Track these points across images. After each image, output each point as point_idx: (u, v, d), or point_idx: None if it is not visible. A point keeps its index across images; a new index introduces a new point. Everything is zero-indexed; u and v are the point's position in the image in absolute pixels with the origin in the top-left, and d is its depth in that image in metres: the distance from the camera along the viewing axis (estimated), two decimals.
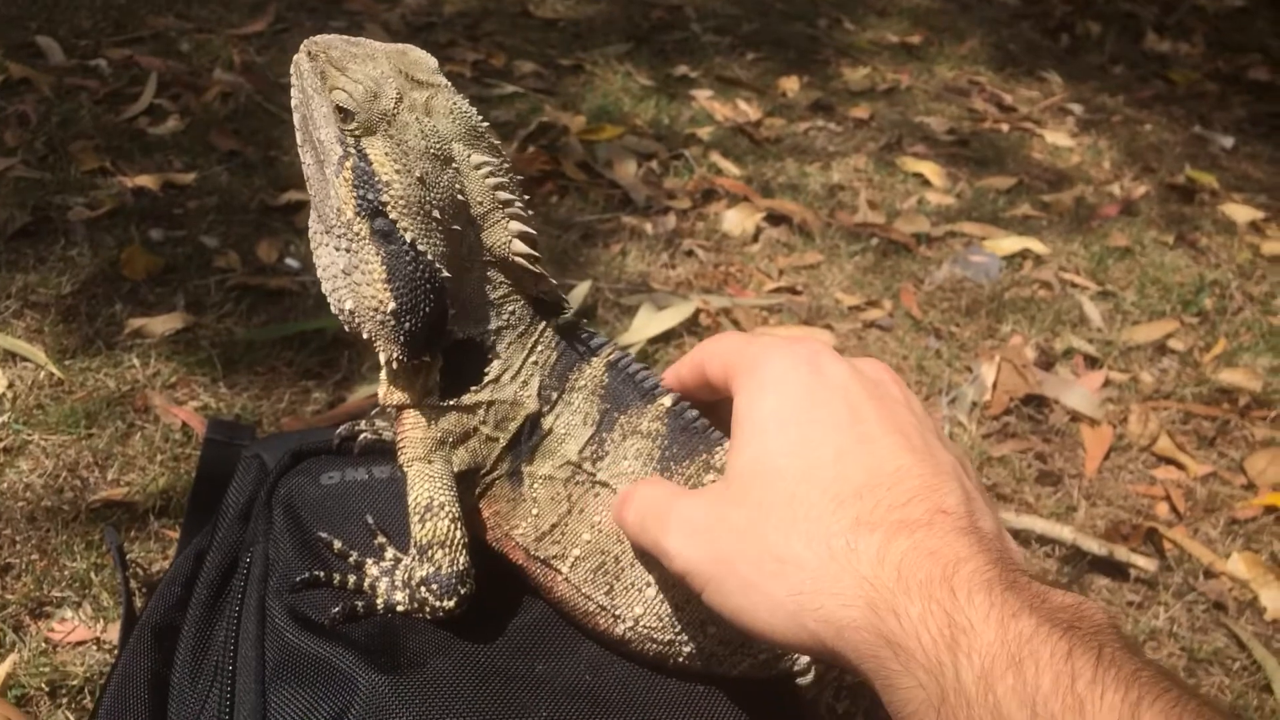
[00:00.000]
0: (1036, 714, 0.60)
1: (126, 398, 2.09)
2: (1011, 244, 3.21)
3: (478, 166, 0.93)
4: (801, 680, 1.00)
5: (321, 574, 1.00)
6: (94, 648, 1.61)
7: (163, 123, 3.07)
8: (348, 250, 0.93)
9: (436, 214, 0.91)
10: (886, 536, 0.71)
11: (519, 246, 0.94)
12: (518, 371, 0.99)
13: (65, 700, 1.53)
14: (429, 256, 0.91)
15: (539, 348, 0.99)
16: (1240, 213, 3.64)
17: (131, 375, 2.14)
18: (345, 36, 0.95)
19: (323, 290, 0.97)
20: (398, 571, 0.99)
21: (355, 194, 0.91)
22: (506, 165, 0.96)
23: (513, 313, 0.98)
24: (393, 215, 0.90)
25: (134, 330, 2.25)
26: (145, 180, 2.75)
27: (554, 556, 0.99)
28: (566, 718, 0.92)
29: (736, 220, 3.12)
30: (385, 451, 1.18)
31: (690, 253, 2.96)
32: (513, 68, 3.84)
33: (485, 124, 0.95)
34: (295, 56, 0.95)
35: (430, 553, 0.95)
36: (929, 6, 5.25)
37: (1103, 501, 2.30)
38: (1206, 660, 1.96)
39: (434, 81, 0.93)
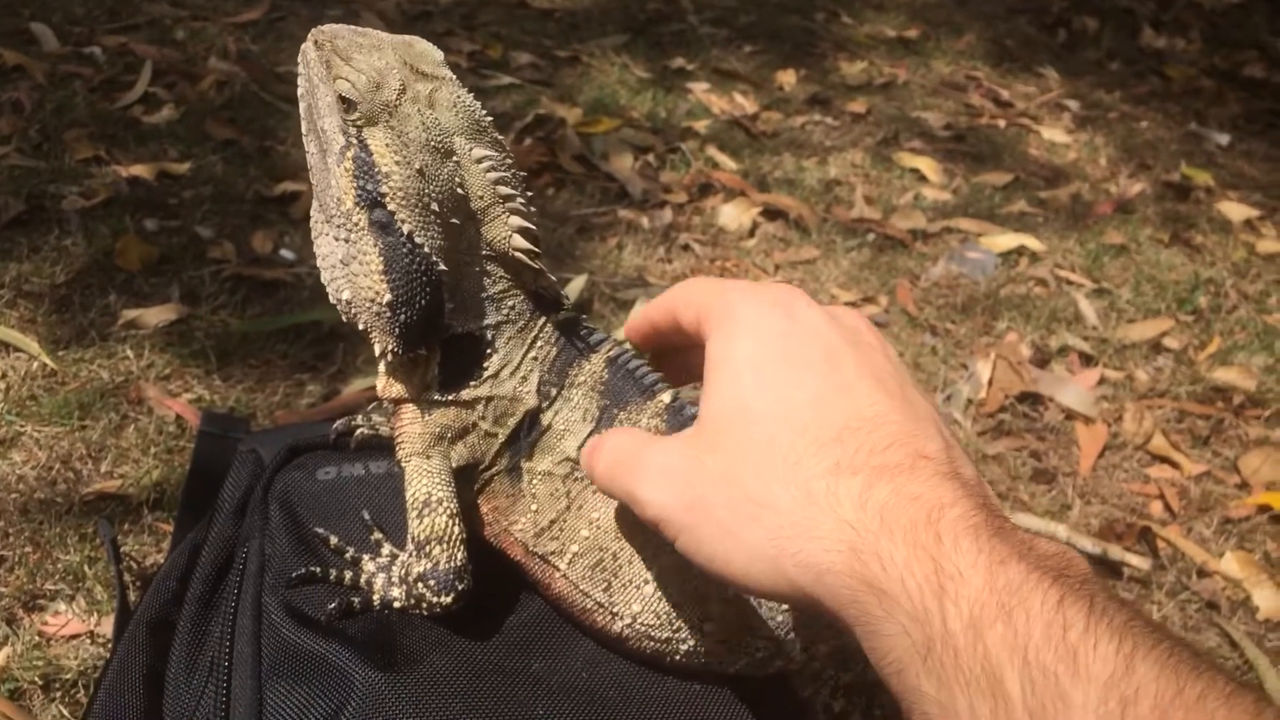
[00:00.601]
0: (1028, 663, 0.59)
1: (120, 389, 2.08)
2: (1007, 241, 3.21)
3: (479, 161, 0.92)
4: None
5: (318, 570, 1.00)
6: (88, 641, 1.61)
7: (158, 111, 3.05)
8: (346, 240, 0.93)
9: (435, 207, 0.91)
10: (868, 481, 0.70)
11: (519, 242, 0.94)
12: (517, 367, 0.99)
13: (59, 694, 1.52)
14: (426, 249, 0.91)
15: (538, 343, 0.99)
16: (1235, 211, 3.64)
17: (125, 366, 2.14)
18: (353, 27, 0.95)
19: (321, 279, 0.97)
20: (394, 567, 0.99)
21: (355, 184, 0.91)
22: (508, 160, 0.95)
23: (512, 308, 0.98)
24: (391, 207, 0.90)
25: (128, 321, 2.24)
26: (140, 169, 2.74)
27: (552, 553, 0.99)
28: (563, 715, 0.92)
29: (733, 215, 3.12)
30: (382, 447, 1.18)
31: (686, 247, 2.95)
32: (509, 58, 3.83)
33: (488, 118, 0.95)
34: (303, 45, 0.95)
35: (428, 548, 0.94)
36: (926, 1, 5.24)
37: (1097, 500, 2.30)
38: None
39: (438, 74, 0.93)
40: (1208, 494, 2.36)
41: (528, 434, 0.99)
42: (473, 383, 0.98)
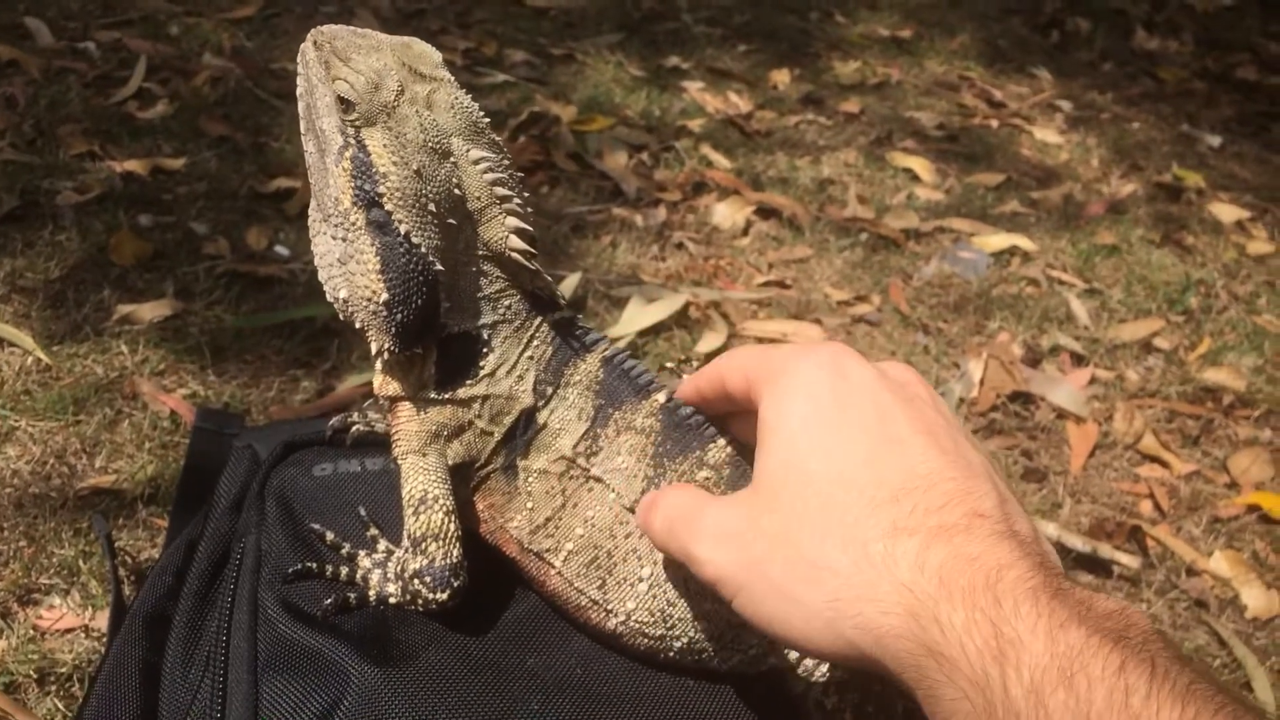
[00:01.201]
0: None
1: (115, 384, 2.08)
2: (1000, 240, 3.23)
3: (476, 162, 0.93)
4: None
5: (314, 565, 1.01)
6: (82, 635, 1.61)
7: (152, 107, 3.05)
8: (344, 239, 0.94)
9: (432, 207, 0.91)
10: (924, 542, 0.69)
11: (515, 242, 0.95)
12: (513, 366, 0.99)
13: (54, 688, 1.52)
14: (423, 249, 0.92)
15: (534, 343, 1.00)
16: (1227, 212, 3.66)
17: (120, 362, 2.14)
18: (352, 28, 0.96)
19: (319, 278, 0.98)
20: (390, 564, 1.00)
21: (353, 184, 0.92)
22: (506, 161, 0.96)
23: (508, 307, 0.99)
24: (388, 207, 0.91)
25: (122, 316, 2.24)
26: (134, 165, 2.74)
27: (547, 550, 1.00)
28: (557, 711, 0.93)
29: (726, 213, 3.12)
30: (378, 443, 1.18)
31: (680, 245, 2.96)
32: (504, 56, 3.83)
33: (486, 119, 0.95)
34: (302, 45, 0.95)
35: (424, 545, 0.95)
36: (919, 1, 5.25)
37: (1087, 499, 2.32)
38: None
39: (437, 75, 0.94)
40: (1197, 493, 2.38)
41: (524, 432, 1.00)
42: (469, 381, 0.99)
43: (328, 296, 0.98)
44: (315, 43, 0.94)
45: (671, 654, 0.99)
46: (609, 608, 0.98)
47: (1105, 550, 2.14)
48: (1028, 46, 4.97)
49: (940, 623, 0.65)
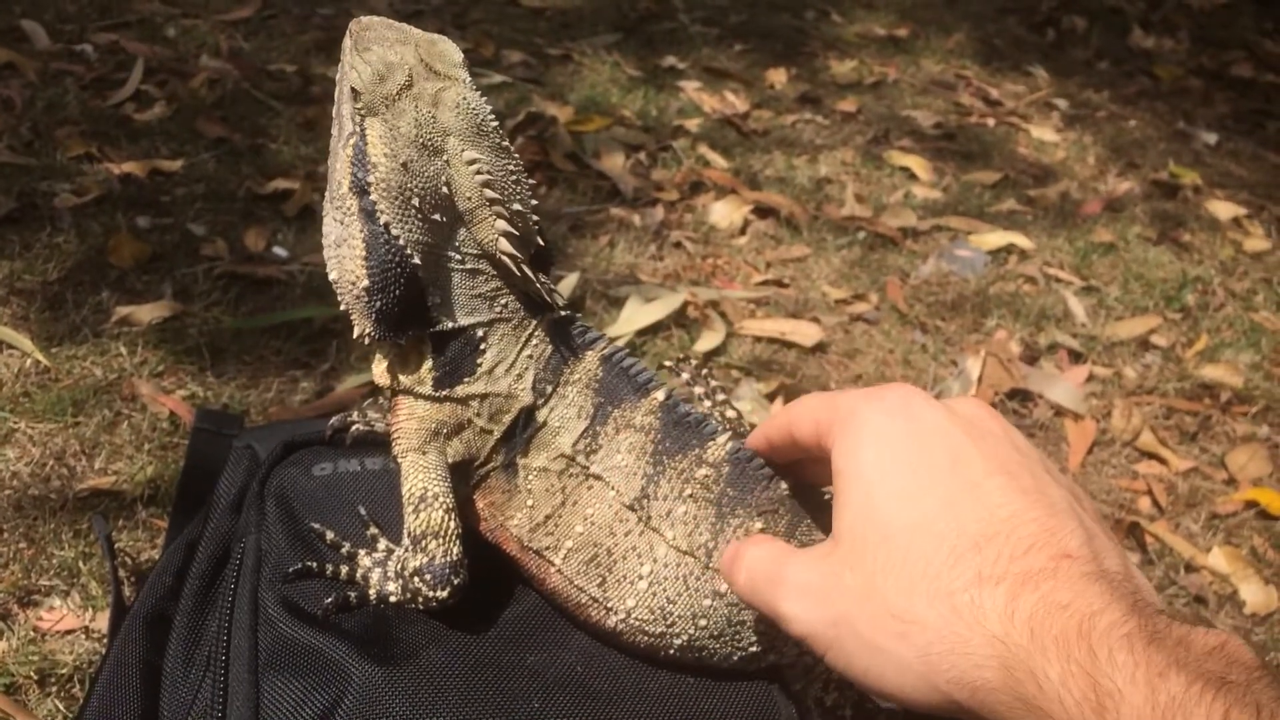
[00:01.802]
0: None
1: (114, 386, 2.09)
2: (997, 239, 3.23)
3: (470, 162, 0.93)
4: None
5: (314, 565, 1.01)
6: (83, 636, 1.61)
7: (149, 109, 3.05)
8: (340, 223, 0.95)
9: (416, 201, 0.93)
10: (1012, 591, 0.68)
11: (504, 246, 0.95)
12: (512, 364, 1.00)
13: (55, 689, 1.53)
14: (401, 242, 0.93)
15: (533, 341, 1.00)
16: (1223, 209, 3.66)
17: (118, 363, 2.14)
18: (388, 20, 0.98)
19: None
20: (390, 562, 1.00)
21: (351, 170, 0.93)
22: (508, 166, 0.96)
23: (505, 305, 0.99)
24: (373, 196, 0.93)
25: (121, 318, 2.24)
26: (132, 167, 2.74)
27: (547, 548, 1.00)
28: (558, 709, 0.93)
29: (724, 213, 3.13)
30: (377, 443, 1.18)
31: (678, 245, 2.96)
32: (501, 57, 3.83)
33: (494, 122, 0.96)
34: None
35: (424, 543, 0.95)
36: (915, 0, 5.26)
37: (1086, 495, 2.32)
38: None
39: (452, 74, 0.95)
40: (1195, 490, 2.38)
41: (523, 430, 1.00)
42: (468, 379, 0.99)
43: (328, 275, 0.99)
44: (351, 31, 0.96)
45: (671, 651, 0.99)
46: (609, 605, 0.99)
47: None
48: (1024, 45, 4.97)
49: (1036, 676, 0.64)
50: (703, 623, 0.98)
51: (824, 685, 1.01)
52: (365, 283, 0.94)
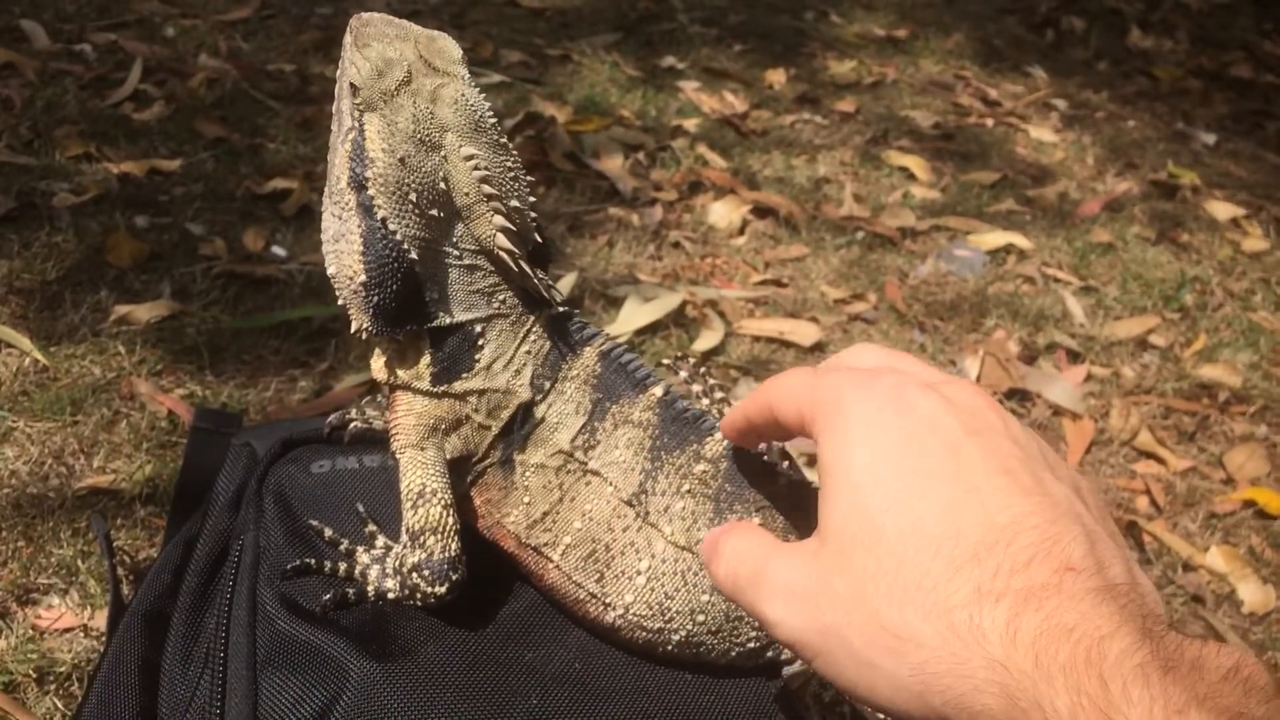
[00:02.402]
0: None
1: (112, 385, 2.09)
2: (995, 239, 3.23)
3: (467, 158, 0.94)
4: (788, 669, 1.02)
5: (312, 561, 1.01)
6: (81, 634, 1.61)
7: (148, 109, 3.05)
8: (338, 218, 0.96)
9: (413, 197, 0.93)
10: (1013, 609, 0.63)
11: (502, 241, 0.95)
12: (510, 360, 1.00)
13: (53, 687, 1.53)
14: (398, 236, 0.93)
15: (531, 337, 1.00)
16: (1221, 210, 3.66)
17: (117, 362, 2.14)
18: (389, 17, 0.97)
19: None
20: (389, 559, 1.00)
21: (349, 165, 0.94)
22: (506, 162, 0.97)
23: (503, 301, 0.99)
24: (371, 191, 0.93)
25: (119, 317, 2.24)
26: (130, 166, 2.74)
27: (545, 544, 1.00)
28: (556, 705, 0.93)
29: (723, 212, 3.13)
30: (376, 440, 1.19)
31: (677, 244, 2.97)
32: (499, 57, 3.83)
33: (494, 119, 0.96)
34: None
35: (422, 539, 0.96)
36: (914, 0, 5.26)
37: None
38: None
39: (450, 71, 0.95)
40: (1193, 489, 2.38)
41: (521, 427, 1.00)
42: (465, 375, 0.99)
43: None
44: (351, 27, 0.96)
45: (670, 647, 0.99)
46: (607, 601, 0.99)
47: None
48: (1023, 45, 4.98)
49: (1043, 708, 0.60)
50: (701, 618, 0.98)
51: (822, 682, 1.01)
52: (363, 277, 0.94)
